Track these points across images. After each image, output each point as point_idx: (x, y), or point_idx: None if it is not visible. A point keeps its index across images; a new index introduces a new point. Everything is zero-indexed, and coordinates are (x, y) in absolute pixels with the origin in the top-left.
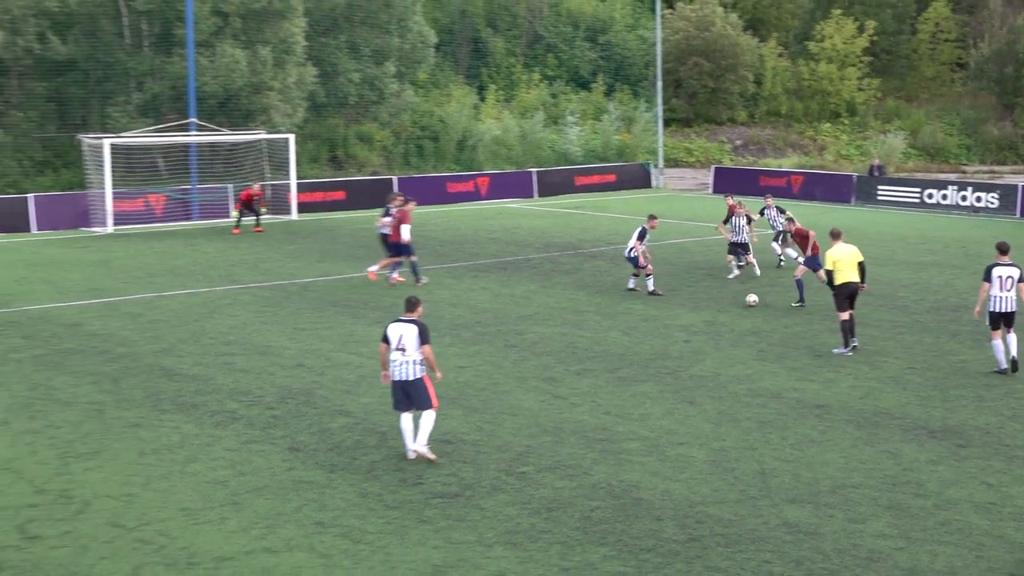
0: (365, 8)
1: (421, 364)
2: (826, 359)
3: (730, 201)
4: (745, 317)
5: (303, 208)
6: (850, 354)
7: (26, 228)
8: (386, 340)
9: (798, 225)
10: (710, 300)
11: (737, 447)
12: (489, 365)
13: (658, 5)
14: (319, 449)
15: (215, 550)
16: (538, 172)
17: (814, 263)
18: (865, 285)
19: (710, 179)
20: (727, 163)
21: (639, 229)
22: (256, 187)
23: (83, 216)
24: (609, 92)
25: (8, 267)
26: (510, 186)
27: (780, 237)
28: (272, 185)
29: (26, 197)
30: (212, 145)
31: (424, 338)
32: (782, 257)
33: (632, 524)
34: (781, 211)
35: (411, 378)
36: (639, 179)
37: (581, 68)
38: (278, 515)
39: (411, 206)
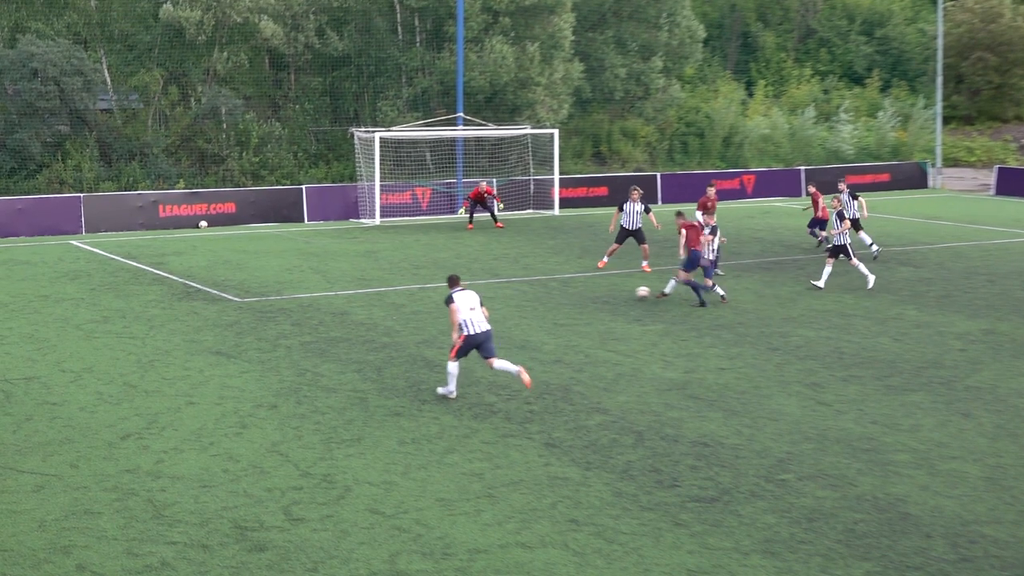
0: (633, 3)
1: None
2: None
3: (812, 189)
4: None
5: (565, 203)
6: None
7: (299, 218)
8: (452, 301)
9: (685, 219)
10: (989, 308)
11: (1016, 464)
12: (751, 367)
13: None
14: (575, 446)
15: (470, 542)
16: (807, 170)
17: (692, 262)
18: None
19: (992, 180)
20: (1012, 163)
21: (712, 227)
22: (485, 184)
23: (352, 208)
24: (885, 88)
25: (281, 256)
26: (777, 184)
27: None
28: (535, 180)
29: (300, 188)
30: (478, 140)
31: (481, 300)
32: (874, 245)
33: (899, 540)
34: (853, 196)
35: (487, 330)
36: (915, 179)
37: (855, 63)
38: (533, 510)
39: (712, 191)
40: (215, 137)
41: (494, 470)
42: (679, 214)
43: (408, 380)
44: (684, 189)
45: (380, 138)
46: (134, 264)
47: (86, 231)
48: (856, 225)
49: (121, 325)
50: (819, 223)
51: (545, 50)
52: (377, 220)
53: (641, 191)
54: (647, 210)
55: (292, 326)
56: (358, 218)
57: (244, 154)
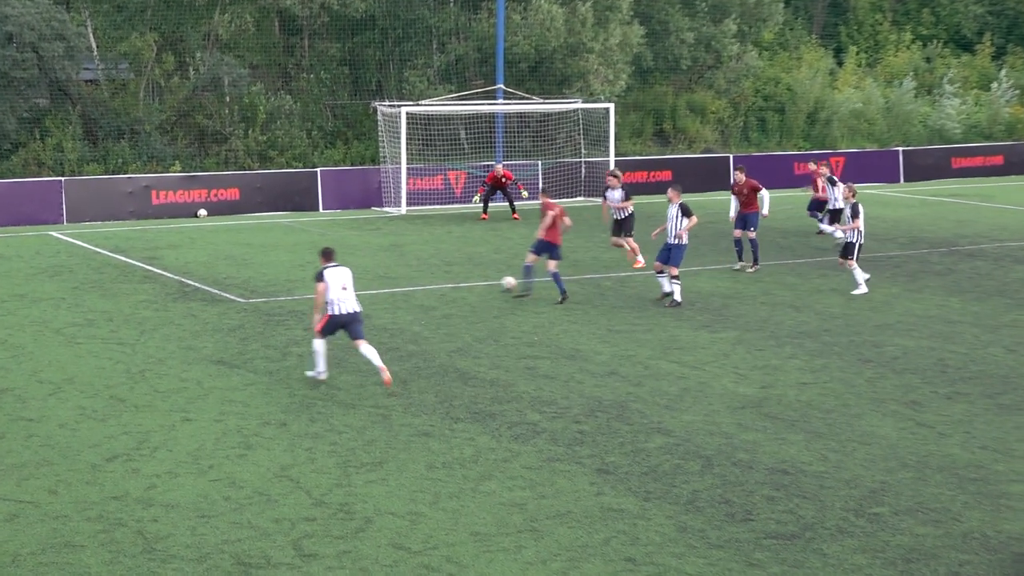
0: None
1: (358, 300)
2: None
3: (811, 166)
4: None
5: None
6: None
7: (313, 206)
8: (323, 280)
9: (546, 199)
10: None
11: None
12: (838, 382)
13: None
14: (632, 473)
15: None
16: (905, 152)
17: (548, 248)
18: None
19: None
20: None
21: (682, 205)
22: (502, 167)
23: (375, 194)
24: (998, 55)
25: (292, 250)
26: (870, 168)
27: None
28: (587, 163)
29: (315, 171)
30: (520, 115)
31: (353, 278)
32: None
33: None
34: (833, 182)
35: (358, 310)
36: None
37: (964, 26)
38: (583, 547)
39: (739, 176)
40: (216, 112)
41: (538, 500)
42: (543, 191)
43: (438, 395)
44: (761, 173)
45: (407, 113)
46: (123, 259)
47: (68, 220)
48: (835, 216)
49: (108, 329)
50: (818, 205)
51: (600, 11)
52: (403, 209)
53: (618, 176)
54: (627, 196)
55: (304, 331)
56: (381, 206)
57: (250, 132)
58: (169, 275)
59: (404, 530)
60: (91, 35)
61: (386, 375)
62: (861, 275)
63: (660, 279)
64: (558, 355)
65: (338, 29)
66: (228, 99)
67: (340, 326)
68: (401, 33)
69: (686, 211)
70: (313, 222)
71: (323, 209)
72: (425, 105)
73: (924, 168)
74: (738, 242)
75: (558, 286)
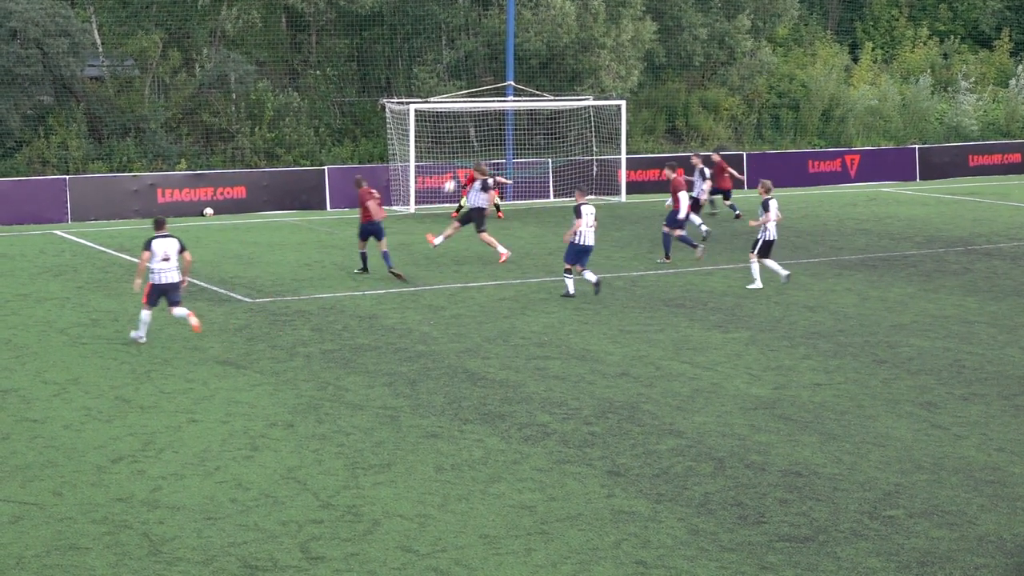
0: None
1: (179, 270)
2: None
3: (716, 157)
4: None
5: (634, 188)
6: None
7: (321, 205)
8: (149, 249)
9: (370, 190)
10: None
11: None
12: (853, 383)
13: None
14: (643, 475)
15: None
16: (922, 149)
17: (373, 229)
18: None
19: None
20: None
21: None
22: (483, 166)
23: (383, 193)
24: (1017, 51)
25: (299, 249)
26: (886, 166)
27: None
28: (599, 161)
29: (322, 169)
30: (531, 112)
31: (184, 247)
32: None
33: None
34: (704, 176)
35: (175, 281)
36: None
37: (982, 21)
38: (593, 550)
39: (669, 173)
40: (223, 110)
41: (548, 502)
42: (358, 183)
43: (447, 396)
44: (775, 171)
45: (416, 111)
46: (128, 258)
47: (72, 219)
48: (696, 206)
49: (112, 329)
50: (725, 193)
51: (612, 7)
52: (412, 207)
53: (484, 170)
54: (485, 187)
55: (312, 331)
56: (389, 204)
57: (257, 130)
58: None
59: (412, 532)
60: (96, 31)
61: (194, 320)
62: (758, 271)
63: (567, 279)
64: (569, 356)
65: (346, 25)
66: (235, 96)
67: (161, 293)
68: (410, 29)
69: (575, 213)
70: (321, 221)
71: (331, 208)
72: (434, 102)
73: (941, 166)
74: (682, 237)
75: (386, 263)
